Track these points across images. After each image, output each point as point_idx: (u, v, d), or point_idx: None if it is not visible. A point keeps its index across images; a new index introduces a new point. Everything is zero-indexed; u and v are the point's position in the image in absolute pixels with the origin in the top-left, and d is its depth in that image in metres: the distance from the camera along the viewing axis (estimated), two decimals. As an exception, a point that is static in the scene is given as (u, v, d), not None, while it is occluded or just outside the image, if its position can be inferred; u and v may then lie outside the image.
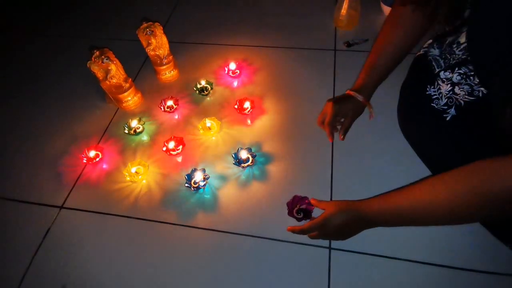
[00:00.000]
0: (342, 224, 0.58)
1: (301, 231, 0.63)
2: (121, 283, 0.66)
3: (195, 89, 0.93)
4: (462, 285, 0.61)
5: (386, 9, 1.05)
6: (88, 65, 0.82)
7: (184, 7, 1.24)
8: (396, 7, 0.67)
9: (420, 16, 0.61)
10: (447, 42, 0.59)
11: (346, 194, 0.72)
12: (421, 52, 0.68)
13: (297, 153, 0.80)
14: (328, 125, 0.73)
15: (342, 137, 0.76)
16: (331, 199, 0.72)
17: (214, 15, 1.19)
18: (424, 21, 0.62)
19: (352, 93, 0.73)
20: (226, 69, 0.96)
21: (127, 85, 0.89)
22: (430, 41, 0.67)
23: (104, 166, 0.82)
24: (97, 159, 0.82)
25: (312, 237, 0.63)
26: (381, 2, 1.07)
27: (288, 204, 0.71)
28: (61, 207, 0.77)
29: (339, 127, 0.77)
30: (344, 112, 0.73)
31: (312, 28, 1.08)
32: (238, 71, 0.96)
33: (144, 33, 0.88)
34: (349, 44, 1.01)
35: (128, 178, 0.78)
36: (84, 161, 0.81)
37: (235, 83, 0.96)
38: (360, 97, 0.72)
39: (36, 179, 0.82)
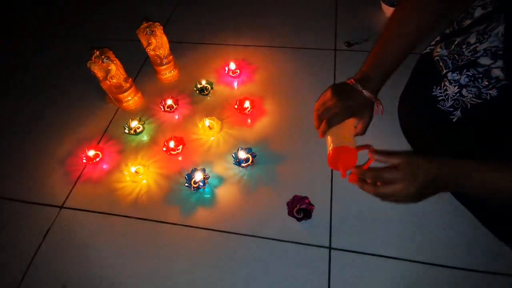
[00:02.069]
0: (432, 178, 0.47)
1: (376, 178, 0.50)
2: (121, 282, 0.66)
3: (195, 89, 0.93)
4: (462, 285, 0.61)
5: (386, 9, 1.05)
6: (88, 65, 0.82)
7: (184, 7, 1.24)
8: None
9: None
10: (456, 42, 0.58)
11: (346, 194, 0.72)
12: (427, 50, 0.66)
13: (297, 152, 0.80)
14: (317, 117, 0.61)
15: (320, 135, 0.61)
16: (331, 199, 0.72)
17: (214, 15, 1.19)
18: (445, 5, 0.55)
19: (358, 87, 0.58)
20: (226, 69, 0.96)
21: (127, 85, 0.89)
22: (438, 38, 0.65)
23: (104, 166, 0.82)
24: (97, 159, 0.82)
25: (380, 193, 0.50)
26: (381, 2, 1.07)
27: (288, 204, 0.71)
28: (61, 207, 0.77)
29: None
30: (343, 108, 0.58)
31: (312, 28, 1.08)
32: (238, 71, 0.96)
33: (144, 33, 0.88)
34: (349, 44, 1.01)
35: (128, 178, 0.78)
36: (84, 161, 0.81)
37: (235, 83, 0.96)
38: (366, 92, 0.58)
39: (36, 179, 0.82)
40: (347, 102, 0.58)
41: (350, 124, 0.60)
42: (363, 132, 0.61)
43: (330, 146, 0.56)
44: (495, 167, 0.46)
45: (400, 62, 0.58)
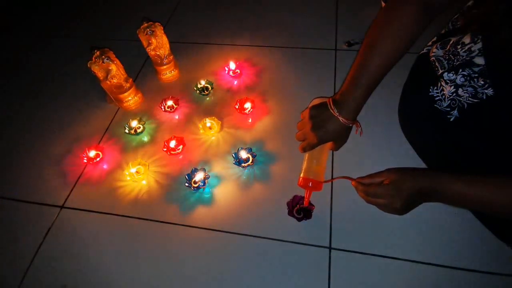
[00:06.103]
0: (415, 192, 0.51)
1: (366, 193, 0.56)
2: (122, 282, 0.66)
3: (195, 89, 0.93)
4: (462, 285, 0.61)
5: (387, 9, 1.05)
6: (88, 65, 0.82)
7: (184, 7, 1.24)
8: (393, 8, 0.56)
9: (421, 19, 0.54)
10: (451, 42, 0.58)
11: (347, 194, 0.72)
12: (424, 50, 0.66)
13: (297, 152, 0.80)
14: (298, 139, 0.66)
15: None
16: (331, 199, 0.72)
17: (215, 15, 1.19)
18: (421, 25, 0.55)
19: (334, 112, 0.58)
20: (227, 69, 0.96)
21: (128, 85, 0.89)
22: (434, 39, 0.66)
23: (105, 166, 0.83)
24: (98, 159, 0.82)
25: (373, 203, 0.56)
26: (381, 2, 1.07)
27: (288, 203, 0.71)
28: (62, 207, 0.77)
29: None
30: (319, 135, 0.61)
31: (312, 28, 1.08)
32: (238, 71, 0.96)
33: (145, 33, 0.88)
34: (349, 44, 1.01)
35: (128, 178, 0.78)
36: (85, 161, 0.81)
37: (236, 83, 0.96)
38: (341, 118, 0.58)
39: (36, 179, 0.82)
40: (321, 130, 0.60)
41: (326, 148, 0.67)
42: (336, 150, 0.67)
43: (301, 172, 0.66)
44: (470, 181, 0.48)
45: (378, 82, 0.58)
